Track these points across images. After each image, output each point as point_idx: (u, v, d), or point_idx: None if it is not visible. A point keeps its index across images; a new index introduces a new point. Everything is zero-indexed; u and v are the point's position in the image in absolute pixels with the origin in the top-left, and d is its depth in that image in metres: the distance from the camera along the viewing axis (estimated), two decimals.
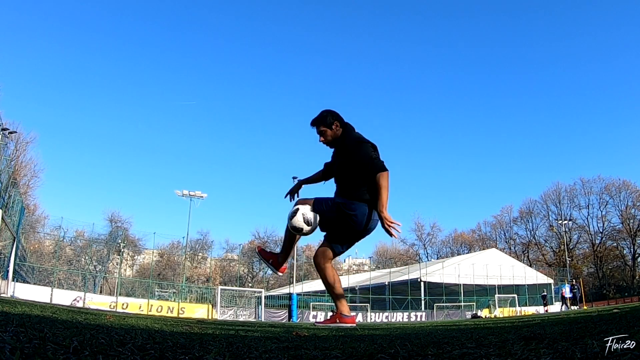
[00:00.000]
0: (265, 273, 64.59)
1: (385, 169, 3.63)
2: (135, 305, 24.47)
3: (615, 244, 58.74)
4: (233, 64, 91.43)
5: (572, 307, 27.87)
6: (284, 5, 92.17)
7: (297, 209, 3.72)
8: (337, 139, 3.92)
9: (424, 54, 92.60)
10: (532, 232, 64.09)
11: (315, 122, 3.98)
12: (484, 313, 33.42)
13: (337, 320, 3.79)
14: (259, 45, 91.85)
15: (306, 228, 3.70)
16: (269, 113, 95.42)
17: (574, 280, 35.82)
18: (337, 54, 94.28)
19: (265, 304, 28.69)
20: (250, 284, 55.98)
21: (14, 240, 17.45)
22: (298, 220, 3.68)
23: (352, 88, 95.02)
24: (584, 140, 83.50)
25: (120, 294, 27.87)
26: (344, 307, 3.85)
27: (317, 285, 47.60)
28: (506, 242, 66.45)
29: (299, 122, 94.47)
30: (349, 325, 3.73)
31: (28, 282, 24.38)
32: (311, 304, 31.62)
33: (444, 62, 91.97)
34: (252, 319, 25.38)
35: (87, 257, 37.26)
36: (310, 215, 3.70)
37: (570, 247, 58.98)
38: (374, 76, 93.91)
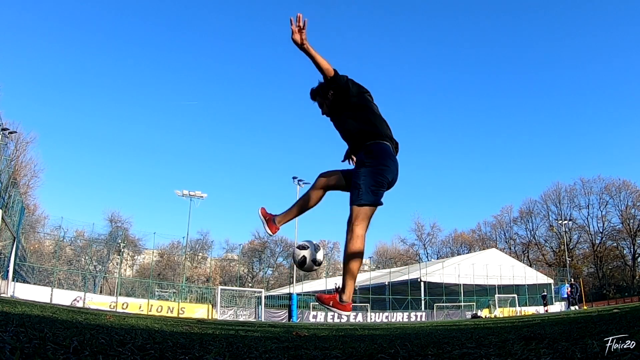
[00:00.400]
0: (265, 273, 64.69)
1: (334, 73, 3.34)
2: (135, 305, 24.47)
3: (615, 244, 58.73)
4: (233, 64, 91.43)
5: (571, 307, 27.80)
6: (283, 5, 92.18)
7: (303, 253, 3.57)
8: None
9: (423, 53, 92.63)
10: (532, 232, 64.16)
11: (313, 96, 3.79)
12: (484, 313, 33.43)
13: (331, 303, 3.33)
14: (260, 45, 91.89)
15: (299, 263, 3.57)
16: (269, 113, 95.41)
17: (572, 280, 35.77)
18: (338, 53, 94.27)
19: (265, 304, 28.69)
20: (250, 284, 55.98)
21: (14, 240, 17.45)
22: (297, 257, 3.57)
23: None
24: (584, 140, 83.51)
25: (120, 294, 27.86)
26: (347, 291, 3.48)
27: (317, 285, 47.58)
28: (506, 242, 66.50)
29: (300, 122, 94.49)
30: (343, 312, 3.31)
31: (28, 282, 24.37)
32: (311, 304, 31.61)
33: (443, 61, 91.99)
34: (252, 319, 25.39)
35: (87, 257, 37.27)
36: (319, 257, 3.57)
37: (570, 247, 58.97)
38: (374, 75, 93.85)
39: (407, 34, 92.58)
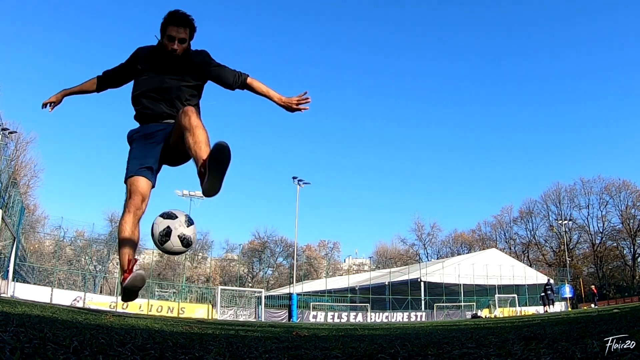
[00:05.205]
0: (265, 273, 64.67)
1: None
2: (135, 305, 24.45)
3: (615, 244, 58.72)
4: (234, 63, 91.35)
5: (546, 309, 26.81)
6: (289, 4, 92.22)
7: (169, 227, 2.67)
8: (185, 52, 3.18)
9: (422, 48, 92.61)
10: (532, 232, 64.12)
11: (189, 22, 3.13)
12: (484, 313, 33.42)
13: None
14: (262, 44, 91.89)
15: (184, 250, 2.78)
16: (270, 113, 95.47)
17: (549, 279, 34.87)
18: (339, 50, 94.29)
19: (265, 304, 28.69)
20: (250, 284, 56.00)
21: (14, 240, 17.45)
22: (172, 244, 2.69)
23: (351, 84, 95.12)
24: (584, 140, 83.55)
25: (120, 294, 27.84)
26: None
27: (317, 285, 47.62)
28: (506, 242, 66.47)
29: (300, 122, 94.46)
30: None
31: (28, 282, 24.37)
32: (311, 304, 31.61)
33: (442, 57, 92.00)
34: (252, 319, 25.39)
35: (87, 257, 37.28)
36: (188, 232, 2.72)
37: (570, 247, 58.96)
38: (373, 72, 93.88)
39: (406, 29, 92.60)
